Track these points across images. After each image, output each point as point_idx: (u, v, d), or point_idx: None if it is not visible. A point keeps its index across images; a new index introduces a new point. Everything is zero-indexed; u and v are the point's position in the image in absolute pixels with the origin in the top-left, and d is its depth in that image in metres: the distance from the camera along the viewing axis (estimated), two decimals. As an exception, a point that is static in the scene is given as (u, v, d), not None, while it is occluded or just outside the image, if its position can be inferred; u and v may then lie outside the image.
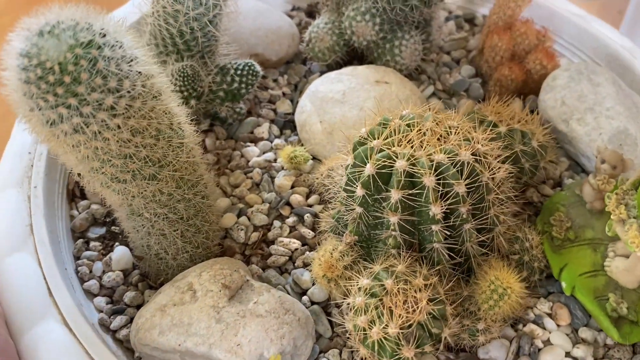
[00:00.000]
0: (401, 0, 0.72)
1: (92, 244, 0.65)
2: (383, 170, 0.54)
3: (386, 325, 0.50)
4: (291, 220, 0.68)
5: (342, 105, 0.72)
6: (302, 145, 0.75)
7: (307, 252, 0.65)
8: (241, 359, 0.52)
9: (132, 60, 0.44)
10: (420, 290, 0.51)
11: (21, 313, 0.52)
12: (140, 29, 0.71)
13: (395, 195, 0.54)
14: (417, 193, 0.53)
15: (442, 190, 0.53)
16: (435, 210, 0.53)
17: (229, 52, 0.75)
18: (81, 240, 0.65)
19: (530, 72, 0.78)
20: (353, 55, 0.83)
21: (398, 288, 0.51)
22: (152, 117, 0.48)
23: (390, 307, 0.51)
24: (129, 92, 0.44)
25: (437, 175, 0.53)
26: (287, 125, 0.78)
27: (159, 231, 0.58)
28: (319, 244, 0.65)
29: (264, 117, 0.78)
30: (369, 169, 0.55)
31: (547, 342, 0.59)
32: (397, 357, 0.50)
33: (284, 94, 0.82)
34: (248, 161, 0.73)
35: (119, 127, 0.45)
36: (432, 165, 0.53)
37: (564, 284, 0.60)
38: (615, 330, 0.56)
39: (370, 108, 0.71)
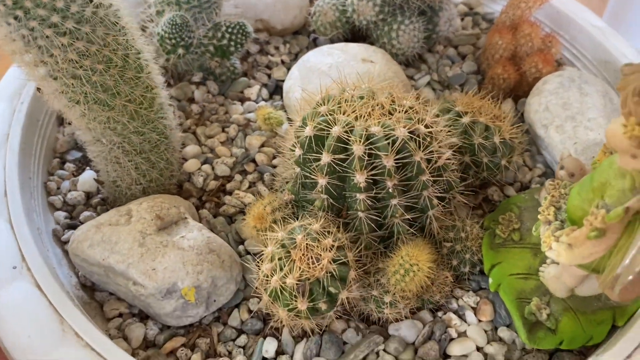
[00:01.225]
0: (401, -17, 0.73)
1: (67, 164, 0.71)
2: (321, 133, 0.56)
3: (285, 275, 0.52)
4: (252, 176, 0.71)
5: (326, 77, 0.74)
6: (284, 110, 0.78)
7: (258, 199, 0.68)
8: (154, 282, 0.56)
9: (84, -13, 0.48)
10: (326, 249, 0.53)
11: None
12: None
13: (325, 157, 0.55)
14: (346, 159, 0.55)
15: (371, 161, 0.55)
16: (359, 178, 0.54)
17: (233, 13, 0.78)
18: (58, 160, 0.71)
19: (525, 74, 0.77)
20: (355, 33, 0.85)
21: (306, 244, 0.53)
22: (102, 45, 0.52)
23: (294, 259, 0.53)
24: (75, 15, 0.48)
25: (368, 145, 0.54)
26: (278, 91, 0.81)
27: (115, 159, 0.63)
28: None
29: (257, 80, 0.82)
30: (307, 131, 0.57)
31: (462, 334, 0.59)
32: (290, 307, 0.52)
33: (282, 61, 0.84)
34: (230, 117, 0.77)
35: (64, 45, 0.49)
36: (365, 134, 0.54)
37: (490, 280, 0.60)
38: (524, 331, 0.55)
39: (352, 83, 0.73)
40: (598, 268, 0.50)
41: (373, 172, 0.55)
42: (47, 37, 0.49)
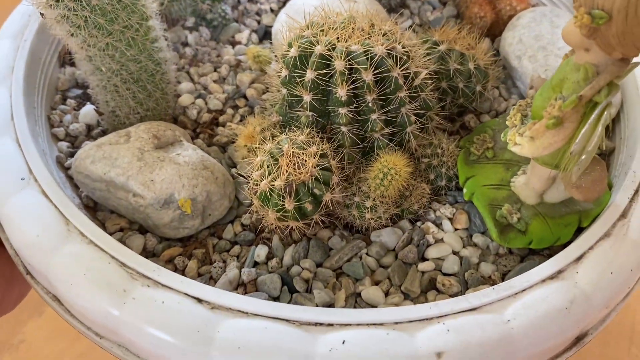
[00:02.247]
0: None
1: (68, 100, 0.75)
2: (305, 53, 0.61)
3: (274, 179, 0.57)
4: (243, 110, 0.75)
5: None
6: (273, 53, 0.82)
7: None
8: (152, 193, 0.60)
9: None
10: (311, 156, 0.57)
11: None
12: None
13: (309, 74, 0.60)
14: (328, 74, 0.59)
15: (352, 76, 0.59)
16: (341, 92, 0.59)
17: (222, -39, 0.83)
18: (60, 96, 0.75)
19: (501, 13, 0.81)
20: (341, -18, 0.89)
21: (292, 152, 0.57)
22: (100, -32, 0.56)
23: (281, 165, 0.57)
24: None
25: (348, 61, 0.59)
26: (267, 36, 0.85)
27: (114, 87, 0.67)
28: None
29: (247, 25, 0.86)
30: (292, 52, 0.61)
31: (439, 241, 0.63)
32: (278, 207, 0.57)
33: (271, 9, 0.88)
34: (222, 59, 0.81)
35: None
36: (346, 52, 0.59)
37: (465, 190, 0.64)
38: (496, 231, 0.60)
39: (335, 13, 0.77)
40: (559, 164, 0.54)
41: (353, 86, 0.59)
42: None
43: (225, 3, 0.82)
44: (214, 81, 0.78)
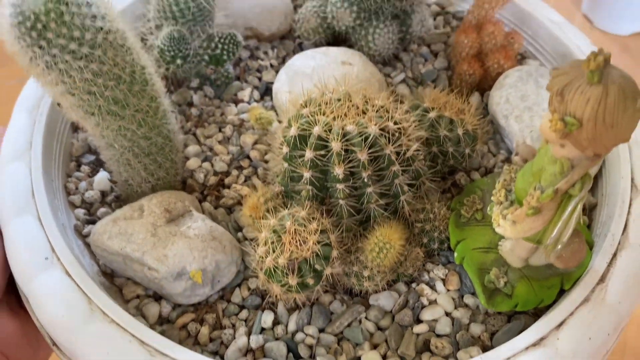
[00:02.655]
0: (373, -8, 0.81)
1: (82, 167, 0.80)
2: (304, 133, 0.65)
3: (277, 256, 0.61)
4: (247, 171, 0.80)
5: (310, 80, 0.83)
6: (274, 111, 0.87)
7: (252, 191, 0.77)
8: (165, 267, 0.65)
9: (94, 17, 0.57)
10: (312, 233, 0.62)
11: (8, 207, 0.67)
12: (149, -4, 0.84)
13: (308, 154, 0.64)
14: (327, 155, 0.64)
15: (348, 156, 0.64)
16: (338, 171, 0.63)
17: (225, 23, 0.87)
18: (74, 163, 0.80)
19: (489, 70, 0.85)
20: (336, 37, 0.93)
21: (295, 229, 0.62)
22: (112, 65, 0.60)
23: (284, 243, 0.62)
24: (89, 41, 0.57)
25: (344, 142, 0.63)
26: (268, 92, 0.90)
27: (126, 161, 0.71)
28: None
29: (249, 83, 0.90)
30: (292, 131, 0.65)
31: (433, 302, 0.68)
32: (283, 283, 0.61)
33: (271, 65, 0.93)
34: (226, 118, 0.86)
35: (81, 68, 0.58)
36: (341, 133, 0.63)
37: (455, 254, 0.69)
38: (484, 296, 0.65)
39: (332, 84, 0.81)
40: (540, 240, 0.59)
41: (350, 165, 0.64)
42: (66, 61, 0.57)
43: (227, 64, 0.86)
44: (219, 142, 0.83)
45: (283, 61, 0.94)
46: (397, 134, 0.65)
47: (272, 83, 0.90)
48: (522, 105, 0.78)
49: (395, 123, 0.66)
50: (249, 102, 0.88)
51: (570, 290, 0.64)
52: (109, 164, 0.74)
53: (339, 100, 0.68)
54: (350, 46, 0.91)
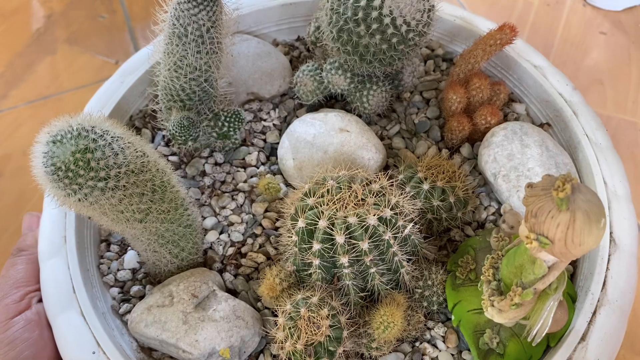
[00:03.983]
0: (365, 62, 0.86)
1: (112, 246, 0.88)
2: (310, 227, 0.73)
3: (295, 341, 0.70)
4: (261, 239, 0.88)
5: (311, 147, 0.89)
6: (280, 173, 0.94)
7: (268, 267, 0.85)
8: (198, 350, 0.74)
9: (117, 155, 0.64)
10: (324, 318, 0.71)
11: (53, 304, 0.76)
12: (154, 78, 0.89)
13: (316, 246, 0.72)
14: (332, 247, 0.72)
15: (350, 246, 0.71)
16: (343, 260, 0.71)
17: (227, 92, 0.93)
18: (105, 243, 0.88)
19: (477, 125, 0.91)
20: (333, 96, 0.99)
21: (308, 315, 0.71)
22: (135, 187, 0.68)
23: (300, 328, 0.70)
24: (114, 177, 0.64)
25: (347, 234, 0.71)
26: (273, 153, 0.97)
27: (152, 249, 0.80)
28: (277, 261, 0.85)
29: (254, 145, 0.97)
30: (300, 223, 0.73)
31: (435, 359, 0.77)
32: (302, 364, 0.70)
33: (274, 125, 0.99)
34: (237, 184, 0.93)
35: (108, 198, 0.65)
36: (344, 227, 0.71)
37: (453, 317, 0.77)
38: (478, 358, 0.73)
39: (332, 151, 0.88)
40: (526, 318, 0.67)
41: (354, 253, 0.71)
42: (96, 196, 0.65)
43: (233, 136, 0.93)
44: (232, 210, 0.90)
45: (285, 120, 1.00)
46: (394, 220, 0.73)
47: (276, 144, 0.97)
48: (509, 165, 0.85)
49: (392, 208, 0.73)
50: (256, 166, 0.95)
51: (556, 348, 0.73)
52: (136, 249, 0.82)
53: (340, 188, 0.75)
54: (347, 103, 0.97)
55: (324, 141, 0.89)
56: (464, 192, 0.82)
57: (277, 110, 1.01)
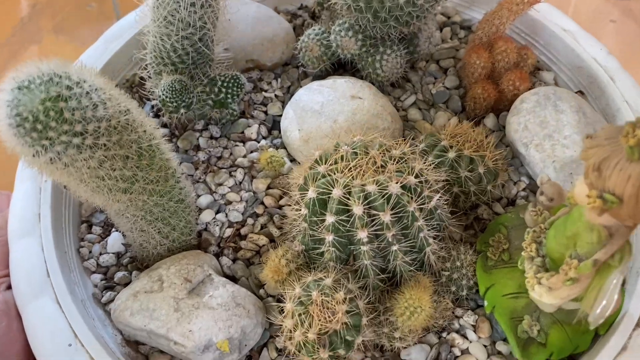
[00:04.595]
0: (379, 21, 0.77)
1: (94, 228, 0.77)
2: (323, 196, 0.63)
3: (307, 330, 0.60)
4: (263, 219, 0.78)
5: (319, 116, 0.80)
6: (284, 147, 0.84)
7: (272, 249, 0.75)
8: (192, 342, 0.64)
9: (96, 107, 0.54)
10: (340, 302, 0.60)
11: (23, 290, 0.65)
12: (143, 39, 0.79)
13: (329, 218, 0.62)
14: (348, 219, 0.62)
15: (369, 218, 0.61)
16: (361, 235, 0.61)
17: (224, 59, 0.83)
18: (85, 224, 0.78)
19: (504, 92, 0.82)
20: (341, 63, 0.89)
21: (321, 299, 0.60)
22: (118, 148, 0.57)
23: (312, 315, 0.60)
24: (92, 133, 0.54)
25: (366, 205, 0.61)
26: (276, 126, 0.87)
27: (139, 227, 0.69)
28: (282, 243, 0.75)
29: (255, 117, 0.87)
30: (311, 193, 0.63)
31: (465, 351, 0.67)
32: (314, 357, 0.60)
33: (276, 96, 0.89)
34: (235, 159, 0.83)
35: (86, 159, 0.55)
36: (362, 195, 0.61)
37: (486, 303, 0.67)
38: (519, 350, 0.63)
39: (342, 121, 0.78)
40: (578, 299, 0.57)
41: (373, 227, 0.61)
42: (70, 155, 0.54)
43: (231, 104, 0.83)
44: (230, 187, 0.80)
45: (288, 91, 0.90)
46: (419, 189, 0.63)
47: (279, 116, 0.87)
48: (542, 133, 0.75)
49: (417, 176, 0.63)
50: (257, 140, 0.85)
51: (606, 336, 0.63)
52: (122, 229, 0.72)
53: (355, 154, 0.65)
54: (358, 71, 0.87)
55: (333, 109, 0.79)
56: (493, 162, 0.72)
57: (279, 80, 0.91)
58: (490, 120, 0.83)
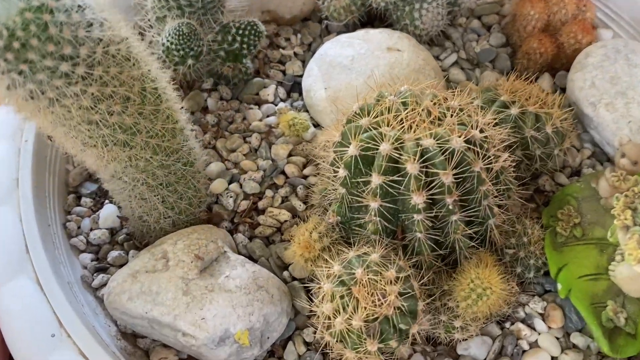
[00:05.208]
0: (422, -40, 0.66)
1: (83, 199, 0.65)
2: (367, 152, 0.51)
3: (350, 316, 0.48)
4: (284, 190, 0.66)
5: (349, 71, 0.68)
6: (306, 110, 0.72)
7: (296, 225, 0.63)
8: (205, 332, 0.52)
9: (91, 25, 0.42)
10: (391, 282, 0.49)
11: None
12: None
13: (376, 179, 0.50)
14: (399, 179, 0.50)
15: (427, 179, 0.50)
16: (417, 199, 0.49)
17: (237, 8, 0.71)
18: (73, 195, 0.65)
19: (563, 46, 0.71)
20: (372, 16, 0.78)
21: (368, 278, 0.49)
22: (117, 85, 0.46)
23: (357, 297, 0.48)
24: (85, 59, 0.42)
25: (422, 162, 0.49)
26: (295, 88, 0.75)
27: (139, 195, 0.57)
28: (308, 218, 0.63)
29: (271, 77, 0.75)
30: (352, 150, 0.51)
31: (534, 344, 0.56)
32: (359, 349, 0.48)
33: (295, 54, 0.78)
34: (249, 124, 0.71)
35: (77, 94, 0.43)
36: (418, 151, 0.49)
37: (559, 286, 0.56)
38: (606, 342, 0.52)
39: (378, 76, 0.67)
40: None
41: (430, 190, 0.50)
42: (57, 88, 0.42)
43: (246, 57, 0.71)
44: (245, 155, 0.68)
45: (309, 48, 0.79)
46: (485, 145, 0.52)
47: (299, 76, 0.75)
48: (613, 90, 0.64)
49: (481, 131, 0.52)
50: (274, 103, 0.73)
51: None
52: (118, 198, 0.60)
53: (405, 104, 0.54)
54: (390, 25, 0.76)
55: (366, 64, 0.68)
56: (561, 121, 0.61)
57: (298, 36, 0.79)
58: (545, 81, 0.72)
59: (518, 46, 0.74)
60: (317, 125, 0.71)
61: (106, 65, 0.44)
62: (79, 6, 0.42)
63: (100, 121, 0.47)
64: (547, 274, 0.59)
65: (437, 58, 0.76)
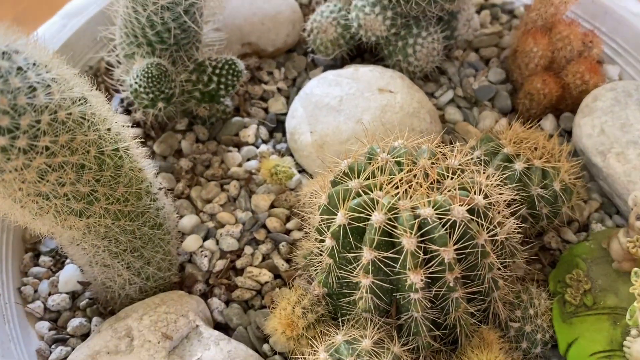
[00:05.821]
0: (417, -6, 0.60)
1: (41, 258, 0.59)
2: (357, 223, 0.45)
3: (339, 415, 0.42)
4: (265, 247, 0.60)
5: (338, 114, 0.62)
6: (290, 154, 0.66)
7: (278, 288, 0.57)
8: None
9: (34, 90, 0.36)
10: (385, 376, 0.43)
11: None
12: (112, 14, 0.61)
13: (367, 254, 0.44)
14: (394, 257, 0.44)
15: (425, 256, 0.44)
16: (414, 278, 0.44)
17: (214, 41, 0.65)
18: (30, 254, 0.59)
19: (569, 87, 0.66)
20: (362, 49, 0.72)
21: (359, 371, 0.43)
22: (68, 154, 0.39)
23: (346, 393, 0.42)
24: (27, 131, 0.36)
25: (420, 236, 0.43)
26: (279, 127, 0.69)
27: (101, 261, 0.51)
28: (291, 281, 0.57)
29: (252, 116, 0.69)
30: (340, 219, 0.45)
31: None
32: None
33: (279, 89, 0.72)
34: (227, 169, 0.65)
35: (19, 169, 0.37)
36: (416, 223, 0.43)
37: (570, 365, 0.51)
38: None
39: (368, 121, 0.61)
40: None
41: (432, 268, 0.44)
42: (-7, 163, 0.36)
43: (224, 97, 0.65)
44: (222, 205, 0.62)
45: (293, 84, 0.72)
46: (489, 213, 0.46)
47: (283, 114, 0.69)
48: (624, 139, 0.59)
49: (485, 196, 0.46)
50: (255, 145, 0.67)
51: None
52: (79, 263, 0.53)
53: (399, 164, 0.48)
54: (381, 59, 0.70)
55: (355, 106, 0.62)
56: (570, 177, 0.56)
57: (282, 69, 0.73)
58: (548, 123, 0.67)
59: (519, 84, 0.69)
60: (302, 170, 0.65)
61: (53, 135, 0.38)
62: (19, 68, 0.36)
63: (51, 192, 0.41)
64: (555, 346, 0.53)
65: (431, 95, 0.70)
